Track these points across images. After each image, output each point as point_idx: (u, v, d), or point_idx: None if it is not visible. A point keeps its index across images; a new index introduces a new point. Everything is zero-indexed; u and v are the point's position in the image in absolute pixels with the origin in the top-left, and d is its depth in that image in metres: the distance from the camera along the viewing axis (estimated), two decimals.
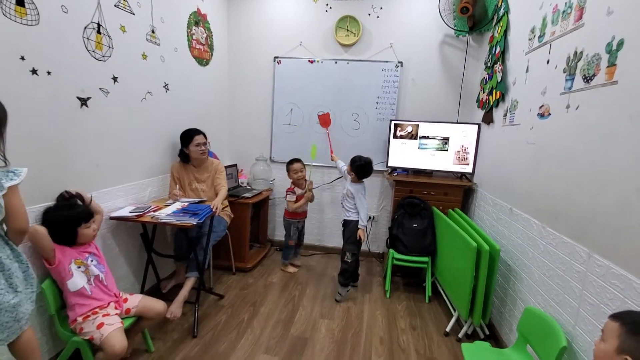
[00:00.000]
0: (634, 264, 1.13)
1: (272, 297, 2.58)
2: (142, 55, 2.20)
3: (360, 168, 2.55)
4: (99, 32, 1.85)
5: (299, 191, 2.95)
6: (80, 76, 1.76)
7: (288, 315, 2.34)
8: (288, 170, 2.96)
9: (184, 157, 2.48)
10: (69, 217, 1.56)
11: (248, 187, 3.26)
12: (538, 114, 1.85)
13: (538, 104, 1.85)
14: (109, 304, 1.63)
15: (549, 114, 1.74)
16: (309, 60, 3.24)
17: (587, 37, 1.48)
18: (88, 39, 1.79)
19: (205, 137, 2.49)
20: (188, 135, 2.43)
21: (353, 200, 2.58)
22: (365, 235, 2.64)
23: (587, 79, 1.45)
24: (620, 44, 1.26)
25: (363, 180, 2.63)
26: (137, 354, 1.86)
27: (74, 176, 1.75)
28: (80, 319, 1.53)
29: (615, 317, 0.99)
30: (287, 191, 2.93)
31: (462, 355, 1.59)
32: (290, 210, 2.90)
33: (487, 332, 2.17)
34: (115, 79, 1.98)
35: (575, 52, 1.54)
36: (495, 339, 2.13)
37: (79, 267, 1.57)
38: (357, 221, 2.57)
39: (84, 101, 1.79)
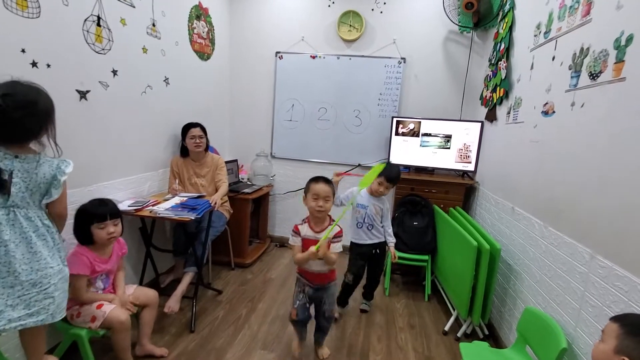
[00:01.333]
0: (638, 266, 1.10)
1: (271, 293, 2.57)
2: (143, 48, 2.18)
3: (396, 173, 2.24)
4: (98, 24, 1.84)
5: (309, 233, 1.67)
6: (80, 69, 1.75)
7: (286, 312, 2.33)
8: (306, 192, 1.70)
9: (184, 150, 2.48)
10: (83, 212, 1.57)
11: (248, 182, 3.25)
12: (542, 112, 1.81)
13: (542, 102, 1.82)
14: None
15: (554, 112, 1.71)
16: (311, 56, 3.21)
17: (595, 32, 1.44)
18: (88, 31, 1.78)
19: (204, 131, 2.48)
20: (186, 128, 2.45)
21: (381, 216, 2.25)
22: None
23: (594, 75, 1.41)
24: (630, 39, 1.23)
25: None
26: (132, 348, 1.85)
27: (74, 169, 1.74)
28: (76, 307, 1.55)
29: (615, 319, 0.98)
30: (293, 230, 1.72)
31: (460, 354, 1.57)
32: (295, 261, 1.73)
33: (487, 332, 2.15)
34: (115, 72, 1.97)
35: (582, 49, 1.51)
36: (494, 339, 2.11)
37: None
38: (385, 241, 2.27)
39: (83, 94, 1.78)
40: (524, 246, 1.87)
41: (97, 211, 1.57)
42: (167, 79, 2.44)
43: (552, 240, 1.60)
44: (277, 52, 3.26)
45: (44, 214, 1.26)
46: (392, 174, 2.17)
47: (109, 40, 1.92)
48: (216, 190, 2.47)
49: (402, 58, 3.08)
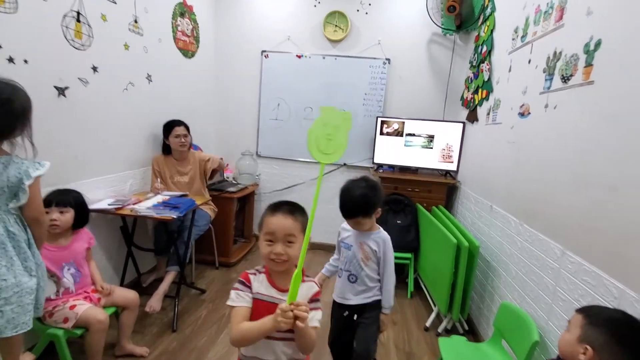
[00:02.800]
0: (605, 261, 1.15)
1: None
2: (124, 45, 2.15)
3: (354, 201, 1.40)
4: (78, 20, 1.81)
5: (266, 291, 0.98)
6: (58, 65, 1.72)
7: None
8: (259, 227, 1.00)
9: (166, 148, 2.46)
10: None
11: (234, 181, 3.24)
12: (519, 113, 1.87)
13: (519, 103, 1.88)
14: (79, 299, 1.60)
15: (529, 113, 1.77)
16: (296, 55, 3.22)
17: (567, 37, 1.50)
18: (67, 27, 1.75)
19: (187, 129, 2.46)
20: (168, 126, 2.42)
21: (377, 262, 1.47)
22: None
23: (565, 79, 1.47)
24: (598, 44, 1.28)
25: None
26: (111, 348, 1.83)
27: (51, 167, 1.70)
28: (49, 308, 1.51)
29: (580, 310, 1.02)
30: (239, 280, 1.01)
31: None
32: (235, 338, 0.94)
33: (466, 327, 2.20)
34: (95, 68, 1.93)
35: (555, 52, 1.57)
36: (474, 334, 2.17)
37: (52, 277, 1.53)
38: (379, 301, 1.50)
39: (61, 91, 1.75)
40: (501, 243, 1.93)
41: (47, 197, 1.53)
42: (150, 76, 2.41)
43: (527, 237, 1.65)
44: (263, 51, 3.26)
45: (14, 220, 1.21)
46: (345, 204, 1.40)
47: (89, 36, 1.88)
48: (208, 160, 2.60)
49: (386, 59, 3.12)
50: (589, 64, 1.32)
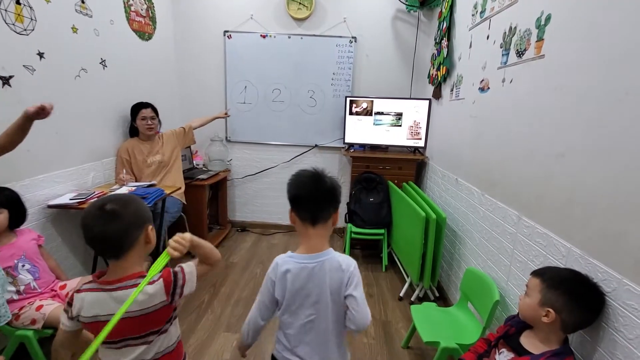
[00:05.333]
0: (554, 223, 1.26)
1: (234, 277, 2.58)
2: (72, 28, 2.00)
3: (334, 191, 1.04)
4: (18, 2, 1.66)
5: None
6: (0, 52, 1.58)
7: (249, 293, 2.37)
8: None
9: (134, 131, 2.41)
10: None
11: (204, 168, 3.17)
12: (479, 88, 1.94)
13: (479, 79, 1.94)
14: (45, 298, 1.54)
15: (488, 88, 1.84)
16: (261, 35, 3.12)
17: (520, 12, 1.55)
18: (6, 10, 1.60)
19: (156, 112, 2.41)
20: (135, 108, 2.38)
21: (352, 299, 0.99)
22: None
23: (520, 53, 1.53)
24: (548, 19, 1.34)
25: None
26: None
27: (1, 163, 1.60)
28: (16, 311, 1.46)
29: (536, 273, 1.10)
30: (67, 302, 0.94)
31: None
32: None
33: (437, 294, 2.34)
34: (41, 54, 1.79)
35: (510, 28, 1.62)
36: (444, 300, 2.31)
37: (7, 276, 1.46)
38: None
39: (5, 80, 1.62)
40: (466, 214, 2.04)
41: None
42: (104, 61, 2.26)
43: (488, 206, 1.76)
44: (226, 31, 3.13)
45: None
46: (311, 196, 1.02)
47: (32, 19, 1.73)
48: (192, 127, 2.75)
49: (352, 37, 3.10)
50: (540, 39, 1.39)
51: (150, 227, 0.96)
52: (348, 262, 1.00)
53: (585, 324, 1.02)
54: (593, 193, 1.07)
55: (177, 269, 0.96)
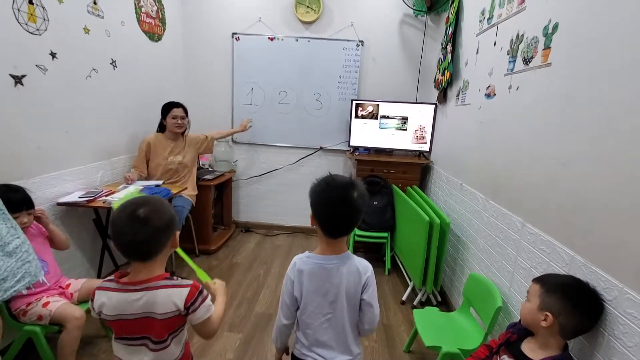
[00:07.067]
0: (557, 231, 1.26)
1: (237, 277, 2.60)
2: (84, 29, 2.04)
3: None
4: (31, 2, 1.69)
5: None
6: (12, 51, 1.62)
7: (253, 293, 2.39)
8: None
9: (161, 127, 2.52)
10: None
11: (210, 169, 3.20)
12: (485, 94, 1.95)
13: (485, 85, 1.95)
14: (53, 295, 1.57)
15: (495, 94, 1.85)
16: (269, 38, 3.15)
17: (528, 20, 1.56)
18: (19, 10, 1.64)
19: (186, 112, 2.52)
20: (167, 107, 2.47)
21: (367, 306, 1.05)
22: None
23: (526, 60, 1.54)
24: (555, 27, 1.35)
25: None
26: (96, 340, 1.83)
27: (11, 160, 1.64)
28: (23, 307, 1.48)
29: (536, 280, 1.12)
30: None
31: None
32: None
33: (439, 299, 2.34)
34: (53, 54, 1.83)
35: (518, 35, 1.63)
36: (446, 305, 2.31)
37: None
38: None
39: (18, 79, 1.66)
40: (470, 219, 2.04)
41: (11, 199, 1.41)
42: (115, 61, 2.30)
43: (493, 212, 1.76)
44: (234, 34, 3.16)
45: None
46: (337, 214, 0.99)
47: (44, 19, 1.77)
48: (210, 137, 2.78)
49: (360, 41, 3.11)
50: (547, 47, 1.39)
51: (177, 232, 1.00)
52: (365, 267, 1.04)
53: (583, 329, 1.02)
54: (596, 201, 1.08)
55: (205, 292, 1.00)
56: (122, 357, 0.98)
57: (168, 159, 2.49)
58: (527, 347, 1.10)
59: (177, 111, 2.44)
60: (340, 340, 1.05)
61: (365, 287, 1.03)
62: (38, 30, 1.74)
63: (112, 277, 0.97)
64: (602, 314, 1.00)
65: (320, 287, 1.02)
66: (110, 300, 0.93)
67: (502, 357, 1.14)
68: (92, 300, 0.96)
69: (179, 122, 2.45)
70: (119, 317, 0.93)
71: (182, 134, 2.59)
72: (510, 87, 1.67)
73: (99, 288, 0.95)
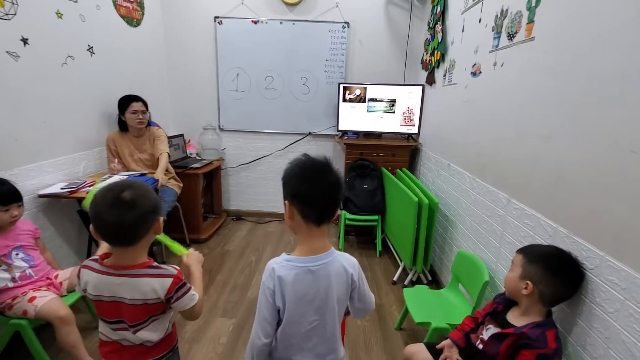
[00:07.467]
0: (541, 204, 1.28)
1: (229, 264, 2.60)
2: (57, 13, 1.95)
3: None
4: None
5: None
6: None
7: (245, 280, 2.39)
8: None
9: (122, 125, 2.33)
10: None
11: (197, 157, 3.15)
12: (471, 73, 1.94)
13: (471, 63, 1.94)
14: (40, 288, 1.54)
15: (480, 72, 1.84)
16: (252, 21, 3.07)
17: None
18: None
19: (146, 105, 2.34)
20: (124, 101, 2.28)
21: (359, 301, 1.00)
22: None
23: (511, 36, 1.53)
24: (538, 0, 1.34)
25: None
26: (88, 330, 1.82)
27: None
28: (9, 300, 1.46)
29: (520, 250, 1.15)
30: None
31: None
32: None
33: (430, 278, 2.39)
34: (25, 40, 1.75)
35: (502, 10, 1.61)
36: (436, 283, 2.35)
37: (1, 266, 1.46)
38: None
39: None
40: (458, 198, 2.06)
41: (1, 192, 1.44)
42: (92, 47, 2.22)
43: (479, 190, 1.77)
44: (216, 17, 3.07)
45: None
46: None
47: (13, 3, 1.69)
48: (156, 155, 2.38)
49: (345, 22, 3.05)
50: (530, 21, 1.38)
51: (161, 218, 0.98)
52: (351, 263, 0.94)
53: (563, 297, 1.05)
54: (577, 173, 1.09)
55: (188, 284, 0.99)
56: (106, 333, 0.99)
57: (134, 156, 2.37)
58: (511, 315, 1.13)
59: (136, 105, 2.26)
60: (326, 345, 0.93)
61: (355, 283, 0.93)
62: (7, 14, 1.66)
63: (96, 256, 0.96)
64: (582, 282, 1.03)
65: (306, 293, 0.87)
66: (92, 280, 0.93)
67: (487, 327, 1.16)
68: (79, 276, 0.96)
69: (140, 117, 2.26)
70: (98, 298, 0.94)
71: (146, 127, 2.41)
72: (495, 64, 1.66)
73: (84, 266, 0.96)
